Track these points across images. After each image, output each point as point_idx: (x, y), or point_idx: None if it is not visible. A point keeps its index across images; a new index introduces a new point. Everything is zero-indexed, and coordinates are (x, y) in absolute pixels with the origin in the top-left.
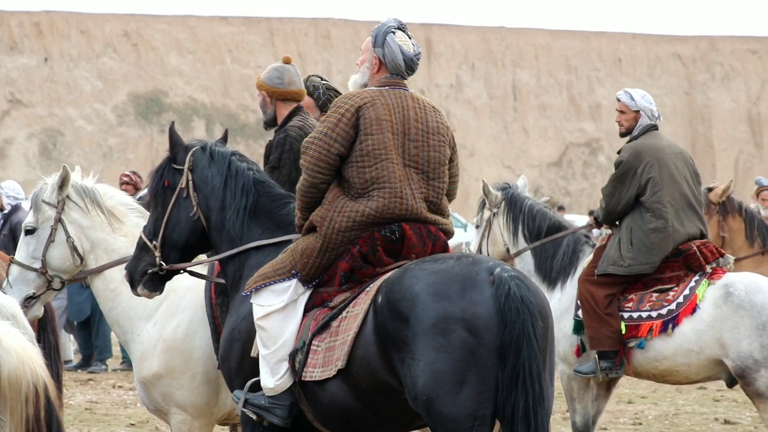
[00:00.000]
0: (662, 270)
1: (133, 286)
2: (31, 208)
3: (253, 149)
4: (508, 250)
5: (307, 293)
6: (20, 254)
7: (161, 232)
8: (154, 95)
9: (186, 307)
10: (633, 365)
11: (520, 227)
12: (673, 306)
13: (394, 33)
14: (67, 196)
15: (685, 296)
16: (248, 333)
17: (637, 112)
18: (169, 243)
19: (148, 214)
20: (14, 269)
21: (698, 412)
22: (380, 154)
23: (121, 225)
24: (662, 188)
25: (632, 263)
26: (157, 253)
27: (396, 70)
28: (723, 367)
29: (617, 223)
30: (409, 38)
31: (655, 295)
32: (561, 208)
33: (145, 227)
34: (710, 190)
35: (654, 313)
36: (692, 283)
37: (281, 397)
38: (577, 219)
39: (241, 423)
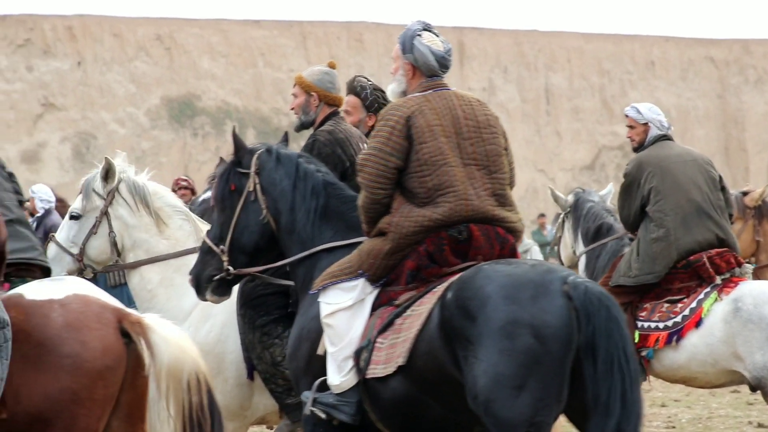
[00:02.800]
0: (671, 281)
1: (200, 292)
2: (80, 192)
3: None
4: (575, 252)
5: (375, 292)
6: (61, 235)
7: (229, 236)
8: (186, 99)
9: (219, 311)
10: (651, 372)
11: (580, 230)
12: (679, 318)
13: (420, 35)
14: (118, 191)
15: (691, 309)
16: (318, 332)
17: (646, 124)
18: (237, 247)
19: (194, 217)
20: (52, 248)
21: (732, 415)
22: (438, 160)
23: (165, 227)
24: (664, 197)
25: (638, 274)
26: (225, 258)
27: (430, 71)
28: (741, 374)
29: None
30: (437, 36)
31: (665, 305)
32: None
33: (208, 232)
34: (745, 194)
35: (661, 324)
36: (701, 296)
37: (348, 394)
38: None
39: (303, 424)
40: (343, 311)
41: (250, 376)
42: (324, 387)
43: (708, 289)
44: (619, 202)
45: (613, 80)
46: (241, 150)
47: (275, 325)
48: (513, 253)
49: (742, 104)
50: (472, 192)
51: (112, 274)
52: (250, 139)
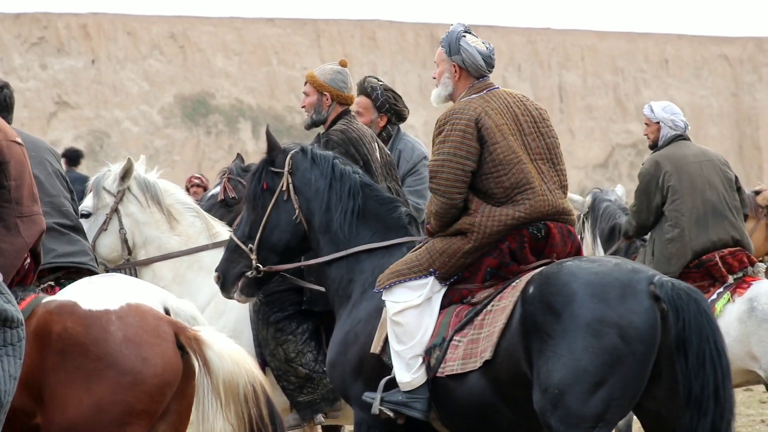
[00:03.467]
0: (684, 280)
1: (225, 289)
2: (90, 191)
3: None
4: (595, 254)
5: (443, 290)
6: None
7: (259, 234)
8: (200, 97)
9: (233, 307)
10: None
11: (597, 231)
12: None
13: (465, 36)
14: (128, 188)
15: None
16: (367, 335)
17: (657, 123)
18: (267, 246)
19: (205, 214)
20: None
21: (744, 413)
22: (511, 159)
23: (177, 224)
24: (681, 197)
25: None
26: (254, 256)
27: (478, 71)
28: (757, 373)
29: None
30: (477, 38)
31: None
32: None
33: (236, 230)
34: (757, 193)
35: None
36: (714, 296)
37: (419, 390)
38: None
39: (355, 427)
40: (412, 309)
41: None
42: (388, 386)
43: (721, 290)
44: (636, 203)
45: (626, 78)
46: (274, 149)
47: (289, 322)
48: (579, 250)
49: (756, 102)
50: (545, 188)
51: (124, 271)
52: (263, 138)
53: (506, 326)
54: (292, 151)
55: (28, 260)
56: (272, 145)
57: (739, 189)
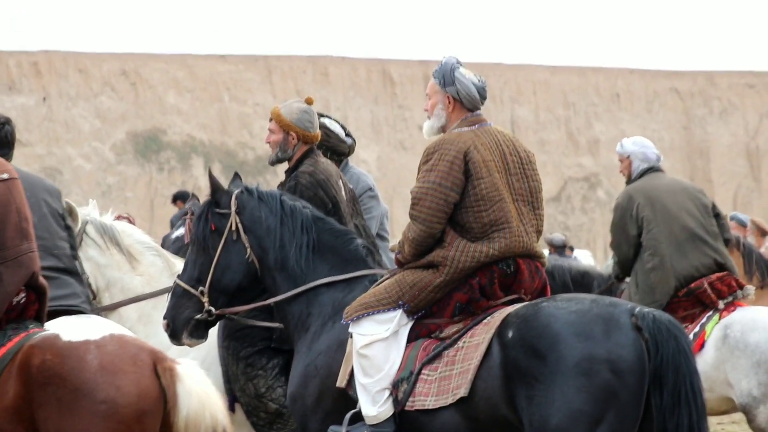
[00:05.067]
0: (675, 310)
1: (175, 336)
2: None
3: None
4: None
5: (410, 324)
6: None
7: (209, 277)
8: (152, 133)
9: (199, 345)
10: None
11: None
12: None
13: (459, 68)
14: (86, 232)
15: (695, 334)
16: (328, 367)
17: (628, 157)
18: (218, 288)
19: (164, 252)
20: None
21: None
22: (494, 196)
23: (138, 264)
24: (657, 225)
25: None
26: (205, 299)
27: (472, 104)
28: (733, 401)
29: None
30: (468, 70)
31: None
32: (563, 247)
33: (181, 275)
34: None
35: None
36: (704, 320)
37: (384, 425)
38: (582, 253)
39: None
40: (379, 342)
41: (231, 409)
42: (353, 420)
43: (711, 313)
44: (613, 238)
45: (578, 112)
46: (218, 191)
47: (259, 357)
48: (546, 285)
49: (707, 135)
50: (522, 229)
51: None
52: (215, 173)
53: (481, 365)
54: (236, 191)
55: (23, 296)
56: (215, 187)
57: (717, 215)
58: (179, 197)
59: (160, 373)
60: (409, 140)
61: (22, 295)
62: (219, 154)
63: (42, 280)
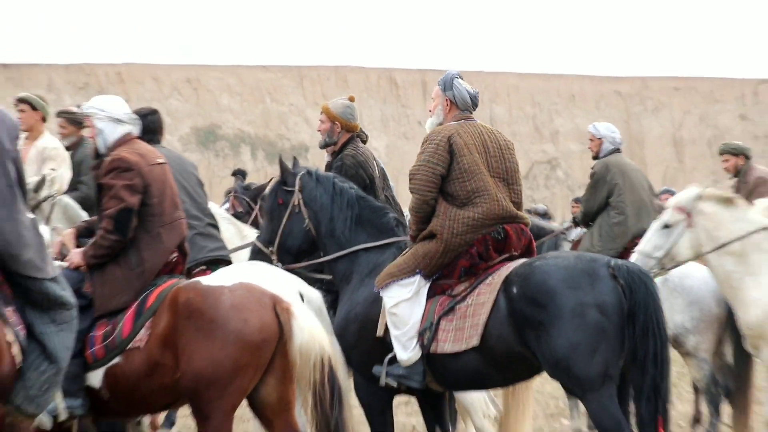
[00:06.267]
0: (626, 256)
1: None
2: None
3: None
4: None
5: (428, 285)
6: None
7: (277, 240)
8: (210, 128)
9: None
10: None
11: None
12: None
13: (457, 78)
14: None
15: None
16: (365, 315)
17: (600, 139)
18: (284, 249)
19: (236, 221)
20: None
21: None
22: (474, 169)
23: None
24: (624, 192)
25: (600, 250)
26: (274, 257)
27: (465, 106)
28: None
29: (590, 223)
30: (464, 81)
31: None
32: (545, 214)
33: (258, 236)
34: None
35: None
36: None
37: (415, 366)
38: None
39: (354, 384)
40: (404, 302)
41: None
42: (372, 362)
43: None
44: (585, 197)
45: (542, 110)
46: (286, 172)
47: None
48: (531, 242)
49: (642, 128)
50: (500, 196)
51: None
52: (260, 159)
53: (490, 318)
54: (300, 173)
55: (176, 255)
56: (284, 169)
57: (654, 195)
58: (238, 173)
59: (278, 312)
60: (410, 132)
61: (175, 254)
62: (262, 144)
63: (186, 245)
